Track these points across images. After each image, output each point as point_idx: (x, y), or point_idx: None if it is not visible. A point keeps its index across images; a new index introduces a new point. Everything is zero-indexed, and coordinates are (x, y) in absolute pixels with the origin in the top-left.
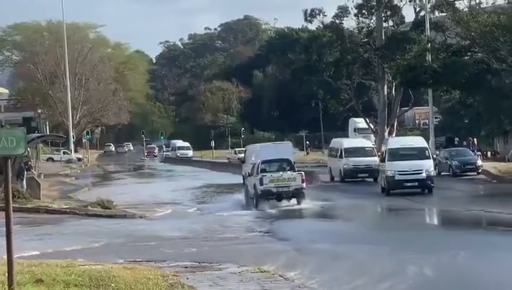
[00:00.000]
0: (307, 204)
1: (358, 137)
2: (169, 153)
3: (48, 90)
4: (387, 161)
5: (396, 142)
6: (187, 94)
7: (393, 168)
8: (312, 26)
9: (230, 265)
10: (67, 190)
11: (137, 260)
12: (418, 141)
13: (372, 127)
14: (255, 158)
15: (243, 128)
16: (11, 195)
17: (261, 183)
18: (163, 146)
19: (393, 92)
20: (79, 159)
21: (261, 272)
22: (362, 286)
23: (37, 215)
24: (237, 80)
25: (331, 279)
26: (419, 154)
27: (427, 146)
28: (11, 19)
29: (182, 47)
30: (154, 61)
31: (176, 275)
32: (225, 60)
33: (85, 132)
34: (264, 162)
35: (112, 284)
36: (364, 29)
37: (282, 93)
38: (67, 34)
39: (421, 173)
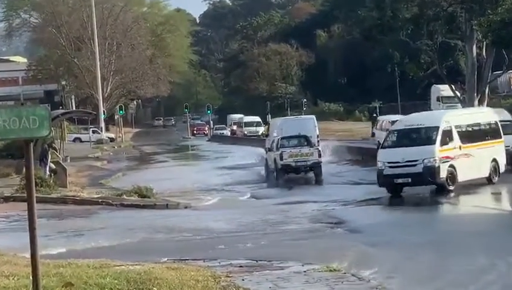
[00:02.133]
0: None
1: (442, 107)
2: (224, 132)
3: (73, 58)
4: (380, 147)
5: (407, 120)
6: (237, 60)
7: (382, 158)
8: None
9: (293, 263)
10: (98, 175)
11: (183, 258)
12: (435, 117)
13: (459, 95)
14: (278, 132)
15: (305, 100)
16: (34, 184)
17: (281, 159)
18: (211, 122)
19: (484, 53)
20: (111, 139)
21: (330, 271)
22: (452, 287)
23: (64, 207)
24: (297, 42)
25: (412, 279)
26: (424, 137)
27: (443, 125)
28: None
29: (230, 3)
30: (197, 21)
31: (229, 276)
32: (282, 18)
33: (117, 106)
34: (283, 138)
35: (154, 288)
36: None
37: (351, 56)
38: None
39: (414, 164)
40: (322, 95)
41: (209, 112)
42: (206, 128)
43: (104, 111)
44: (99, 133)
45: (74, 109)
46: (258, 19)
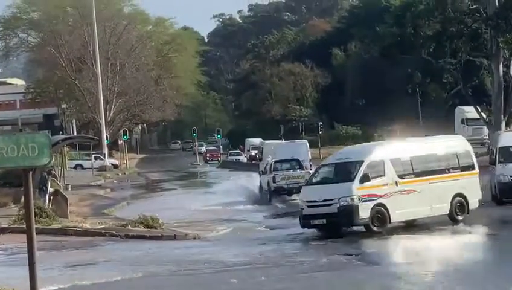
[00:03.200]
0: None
1: (467, 130)
2: (239, 158)
3: (73, 79)
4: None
5: (340, 152)
6: (249, 81)
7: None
8: None
9: None
10: (101, 205)
11: None
12: (365, 150)
13: (485, 116)
14: (271, 156)
15: (321, 123)
16: (33, 216)
17: (274, 181)
18: (221, 147)
19: (511, 72)
20: (115, 166)
21: None
22: None
23: (65, 238)
24: (312, 62)
25: None
26: (345, 173)
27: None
28: None
29: (240, 21)
30: (206, 40)
31: None
32: (296, 36)
33: (121, 131)
34: (276, 161)
35: None
36: None
37: (369, 76)
38: (97, 9)
39: (330, 204)
40: (338, 117)
41: (219, 136)
42: (219, 154)
43: (107, 136)
44: (102, 160)
45: (75, 134)
46: (270, 37)
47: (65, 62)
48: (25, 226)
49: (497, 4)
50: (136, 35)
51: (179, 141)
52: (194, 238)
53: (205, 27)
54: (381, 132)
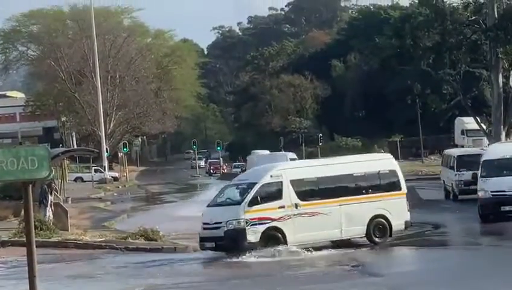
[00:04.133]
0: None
1: (467, 141)
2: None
3: (73, 92)
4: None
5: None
6: (248, 93)
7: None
8: (404, 2)
9: None
10: (101, 217)
11: None
12: (262, 171)
13: (485, 127)
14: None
15: (321, 134)
16: (33, 229)
17: None
18: (221, 159)
19: (511, 83)
20: (115, 179)
21: None
22: None
23: (65, 251)
24: (311, 73)
25: None
26: (238, 194)
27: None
28: (25, 6)
29: (240, 33)
30: (205, 52)
31: None
32: (295, 48)
33: (121, 144)
34: None
35: None
36: (471, 5)
37: (369, 88)
38: (96, 22)
39: (218, 227)
40: (338, 129)
41: (219, 148)
42: (224, 166)
43: (107, 149)
44: (102, 172)
45: (75, 146)
46: (269, 49)
47: (65, 75)
48: (25, 239)
49: (496, 15)
50: (136, 47)
51: (191, 151)
52: (195, 251)
53: (205, 39)
54: (381, 143)
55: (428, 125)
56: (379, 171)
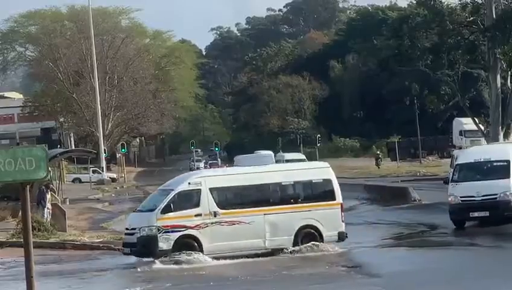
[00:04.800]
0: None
1: (465, 142)
2: None
3: (71, 93)
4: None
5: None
6: (246, 93)
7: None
8: (402, 3)
9: None
10: (100, 218)
11: None
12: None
13: (483, 128)
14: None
15: (319, 135)
16: (31, 230)
17: None
18: (219, 160)
19: (509, 84)
20: (113, 180)
21: None
22: None
23: (63, 252)
24: (310, 74)
25: None
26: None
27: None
28: (24, 7)
29: (238, 34)
30: (204, 53)
31: None
32: (294, 48)
33: (119, 144)
34: None
35: None
36: (469, 5)
37: (367, 89)
38: (94, 22)
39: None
40: (336, 129)
41: (217, 149)
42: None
43: (105, 149)
44: (100, 173)
45: (73, 147)
46: (267, 49)
47: (63, 76)
48: (22, 240)
49: (494, 16)
50: (134, 48)
51: (199, 150)
52: None
53: (203, 40)
54: (379, 144)
55: (427, 126)
56: (312, 180)
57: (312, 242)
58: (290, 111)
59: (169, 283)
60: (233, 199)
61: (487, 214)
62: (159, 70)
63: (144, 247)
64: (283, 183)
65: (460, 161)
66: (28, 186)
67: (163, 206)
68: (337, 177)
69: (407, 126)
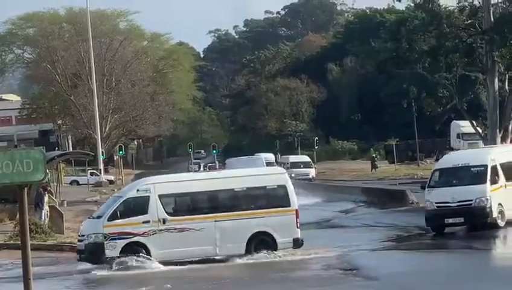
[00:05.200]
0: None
1: (462, 145)
2: None
3: (69, 95)
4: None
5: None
6: (244, 96)
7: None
8: (400, 6)
9: None
10: None
11: None
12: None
13: (481, 131)
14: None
15: (316, 138)
16: (28, 232)
17: None
18: (216, 163)
19: (507, 87)
20: (111, 182)
21: None
22: None
23: (60, 255)
24: (307, 77)
25: None
26: (476, 176)
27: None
28: (22, 9)
29: (236, 36)
30: (201, 55)
31: None
32: (291, 51)
33: (117, 147)
34: None
35: None
36: (467, 8)
37: (365, 91)
38: (92, 25)
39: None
40: (334, 132)
41: (214, 151)
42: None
43: (102, 152)
44: (97, 175)
45: (71, 149)
46: (265, 52)
47: (61, 78)
48: (20, 242)
49: (492, 19)
50: (132, 50)
51: (201, 151)
52: None
53: (201, 42)
54: (377, 147)
55: (424, 128)
56: (266, 186)
57: (265, 249)
58: (288, 114)
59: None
60: (183, 205)
61: (462, 220)
62: (157, 73)
63: (91, 254)
64: (235, 190)
65: (438, 167)
66: (25, 188)
67: (110, 213)
68: (335, 180)
69: (405, 129)
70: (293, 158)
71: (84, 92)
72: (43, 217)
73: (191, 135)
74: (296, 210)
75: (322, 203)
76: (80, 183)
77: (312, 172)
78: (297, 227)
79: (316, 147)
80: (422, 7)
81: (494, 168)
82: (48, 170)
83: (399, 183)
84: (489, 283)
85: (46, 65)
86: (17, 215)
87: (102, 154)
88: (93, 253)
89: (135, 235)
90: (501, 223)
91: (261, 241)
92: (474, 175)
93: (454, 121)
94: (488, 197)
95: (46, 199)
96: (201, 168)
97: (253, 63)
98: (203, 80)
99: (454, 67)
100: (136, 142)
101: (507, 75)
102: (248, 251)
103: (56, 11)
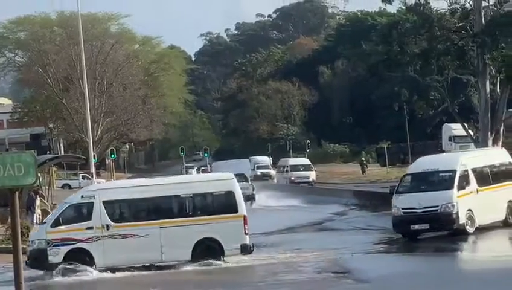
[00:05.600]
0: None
1: (454, 147)
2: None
3: (60, 99)
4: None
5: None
6: (236, 99)
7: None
8: (392, 9)
9: None
10: None
11: None
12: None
13: (472, 134)
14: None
15: (308, 141)
16: (20, 235)
17: None
18: (208, 166)
19: (498, 89)
20: None
21: None
22: None
23: None
24: (299, 80)
25: None
26: (443, 181)
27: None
28: (13, 13)
29: (227, 40)
30: (193, 58)
31: None
32: (283, 54)
33: (109, 150)
34: None
35: None
36: (459, 11)
37: (357, 94)
38: (84, 28)
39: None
40: (326, 135)
41: (206, 155)
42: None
43: (94, 155)
44: (89, 179)
45: (62, 153)
46: (257, 55)
47: (52, 82)
48: (12, 246)
49: (483, 21)
50: (123, 54)
51: (198, 153)
52: None
53: (192, 46)
54: (368, 149)
55: (416, 131)
56: (213, 192)
57: (210, 256)
58: (280, 117)
59: None
60: (127, 211)
61: (427, 226)
62: (148, 76)
63: (35, 260)
64: (182, 196)
65: (408, 172)
66: (17, 192)
67: (53, 219)
68: (327, 183)
69: (396, 132)
70: (292, 161)
71: (76, 95)
72: (34, 221)
73: (183, 138)
74: (244, 216)
75: (313, 206)
76: (72, 187)
77: (312, 175)
78: (245, 233)
79: (308, 150)
80: (413, 10)
81: (464, 173)
82: (39, 174)
83: (391, 187)
84: (481, 285)
85: (37, 69)
86: (9, 219)
87: (94, 158)
88: (37, 259)
89: (78, 241)
90: (470, 229)
91: (208, 247)
92: (442, 181)
93: (446, 123)
94: (455, 203)
95: (37, 202)
96: (195, 171)
97: (245, 66)
98: (195, 84)
99: (446, 70)
100: (127, 146)
101: (498, 78)
102: (194, 258)
103: (47, 15)
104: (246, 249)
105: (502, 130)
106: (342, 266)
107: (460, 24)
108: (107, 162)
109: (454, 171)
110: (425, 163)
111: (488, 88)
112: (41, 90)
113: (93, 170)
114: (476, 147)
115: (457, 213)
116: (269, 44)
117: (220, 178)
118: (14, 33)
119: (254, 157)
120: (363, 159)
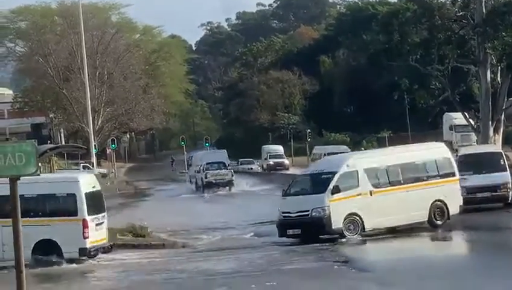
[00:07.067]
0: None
1: (455, 136)
2: (252, 167)
3: (61, 89)
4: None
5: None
6: (237, 88)
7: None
8: None
9: None
10: None
11: None
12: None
13: (473, 123)
14: (200, 161)
15: (309, 130)
16: (20, 225)
17: (206, 177)
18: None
19: (499, 78)
20: (103, 175)
21: None
22: None
23: None
24: (300, 69)
25: None
26: (321, 184)
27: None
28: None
29: (228, 29)
30: (194, 48)
31: None
32: (284, 44)
33: (109, 140)
34: (207, 163)
35: None
36: (459, 0)
37: (357, 84)
38: (84, 18)
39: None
40: (327, 124)
41: (207, 144)
42: None
43: (95, 145)
44: (90, 169)
45: (63, 143)
46: (258, 44)
47: (53, 71)
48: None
49: (484, 10)
50: (124, 44)
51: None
52: (183, 247)
53: (193, 35)
54: (369, 139)
55: (417, 120)
56: (55, 194)
57: (52, 257)
58: (280, 106)
59: None
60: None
61: (299, 231)
62: (149, 66)
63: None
64: (25, 196)
65: (301, 172)
66: (17, 181)
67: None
68: None
69: (397, 121)
70: (329, 148)
71: (76, 85)
72: None
73: (184, 127)
74: (84, 219)
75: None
76: None
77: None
78: (85, 237)
79: (309, 139)
80: None
81: (348, 174)
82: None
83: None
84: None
85: (38, 58)
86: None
87: (95, 148)
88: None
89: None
90: (350, 234)
91: (47, 249)
92: (319, 183)
93: (447, 113)
94: (326, 207)
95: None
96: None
97: (246, 55)
98: (196, 73)
99: (447, 59)
100: (128, 136)
101: (499, 67)
102: (33, 258)
103: (48, 5)
104: (84, 253)
105: (502, 119)
106: (341, 255)
107: (461, 13)
108: (107, 152)
109: (333, 173)
110: (320, 164)
111: (488, 77)
112: (41, 80)
113: (94, 159)
114: (477, 136)
115: (329, 218)
116: (270, 33)
117: (64, 180)
118: (14, 23)
119: (267, 146)
120: (364, 148)
